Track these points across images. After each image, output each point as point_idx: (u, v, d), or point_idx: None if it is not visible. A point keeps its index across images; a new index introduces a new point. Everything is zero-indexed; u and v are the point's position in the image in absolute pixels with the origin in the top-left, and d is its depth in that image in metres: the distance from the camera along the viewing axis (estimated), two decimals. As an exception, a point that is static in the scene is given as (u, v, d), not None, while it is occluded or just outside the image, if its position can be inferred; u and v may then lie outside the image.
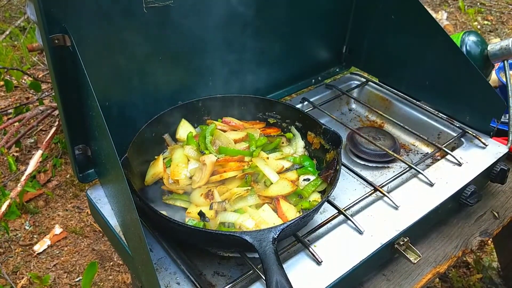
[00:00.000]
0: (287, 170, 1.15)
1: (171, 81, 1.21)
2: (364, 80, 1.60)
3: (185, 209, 1.04)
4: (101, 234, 2.27)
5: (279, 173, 1.11)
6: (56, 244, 2.22)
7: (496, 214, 1.25)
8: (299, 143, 1.22)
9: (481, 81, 1.24)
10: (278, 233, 0.85)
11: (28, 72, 3.15)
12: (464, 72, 1.26)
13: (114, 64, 1.06)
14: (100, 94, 0.86)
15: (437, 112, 1.41)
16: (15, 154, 2.70)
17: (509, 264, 1.99)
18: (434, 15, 3.86)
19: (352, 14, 1.50)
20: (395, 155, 1.25)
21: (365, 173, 1.25)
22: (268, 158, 1.13)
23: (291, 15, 1.34)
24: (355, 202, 1.09)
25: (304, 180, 1.11)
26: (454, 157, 1.21)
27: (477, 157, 1.23)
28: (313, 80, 1.58)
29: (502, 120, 1.32)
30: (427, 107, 1.43)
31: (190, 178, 1.08)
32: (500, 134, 1.33)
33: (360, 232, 1.02)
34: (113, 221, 1.06)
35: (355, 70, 1.70)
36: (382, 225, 1.04)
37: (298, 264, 0.95)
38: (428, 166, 1.24)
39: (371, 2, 1.42)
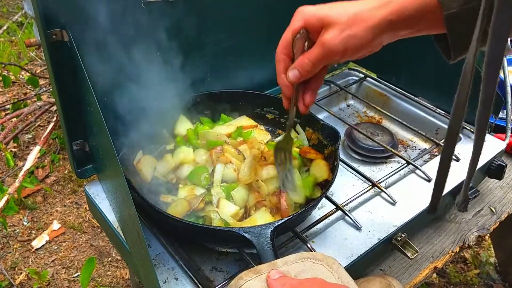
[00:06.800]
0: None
1: (169, 77, 1.20)
2: (362, 75, 1.60)
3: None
4: (99, 230, 2.27)
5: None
6: (54, 239, 2.23)
7: (494, 210, 1.25)
8: (305, 143, 1.20)
9: (479, 77, 1.24)
10: (275, 229, 0.85)
11: (26, 68, 3.15)
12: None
13: (112, 59, 1.05)
14: (98, 90, 0.86)
15: (435, 107, 1.41)
16: (13, 149, 2.70)
17: (507, 259, 2.00)
18: (432, 10, 3.84)
19: None
20: (393, 150, 1.26)
21: (363, 168, 1.25)
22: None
23: (289, 10, 1.33)
24: (353, 198, 1.10)
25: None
26: (452, 153, 1.21)
27: (475, 153, 1.23)
28: (312, 76, 1.57)
29: (500, 116, 1.32)
30: (425, 103, 1.43)
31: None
32: (498, 130, 1.33)
33: (358, 228, 1.02)
34: (111, 216, 1.06)
35: (353, 65, 1.70)
36: (380, 220, 1.04)
37: (296, 259, 0.95)
38: (426, 161, 1.24)
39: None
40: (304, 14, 0.82)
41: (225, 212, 0.99)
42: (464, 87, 0.64)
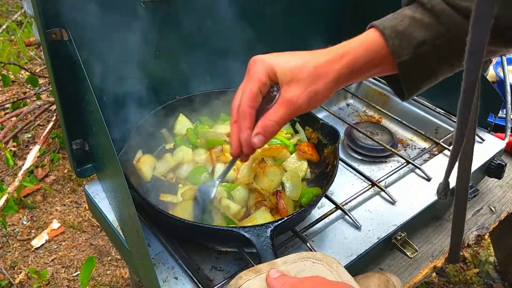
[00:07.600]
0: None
1: (169, 76, 1.20)
2: (362, 75, 1.59)
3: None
4: (99, 229, 2.27)
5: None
6: (54, 239, 2.23)
7: (493, 209, 1.25)
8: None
9: (478, 76, 1.24)
10: (275, 228, 0.85)
11: (25, 67, 3.15)
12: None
13: (112, 59, 1.05)
14: (97, 89, 0.86)
15: (434, 107, 1.41)
16: (13, 149, 2.70)
17: (506, 258, 2.00)
18: (432, 10, 3.84)
19: (349, 8, 1.50)
20: (392, 150, 1.26)
21: (362, 168, 1.25)
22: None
23: (287, 11, 1.34)
24: (352, 197, 1.10)
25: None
26: (452, 152, 1.21)
27: (475, 152, 1.23)
28: (311, 75, 1.57)
29: (499, 115, 1.32)
30: (424, 102, 1.43)
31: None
32: (497, 129, 1.33)
33: (358, 227, 1.02)
34: (111, 215, 1.06)
35: (353, 65, 1.70)
36: (379, 220, 1.04)
37: (295, 258, 0.95)
38: (425, 161, 1.24)
39: (369, -4, 1.42)
40: (265, 65, 0.79)
41: (226, 211, 0.99)
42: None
